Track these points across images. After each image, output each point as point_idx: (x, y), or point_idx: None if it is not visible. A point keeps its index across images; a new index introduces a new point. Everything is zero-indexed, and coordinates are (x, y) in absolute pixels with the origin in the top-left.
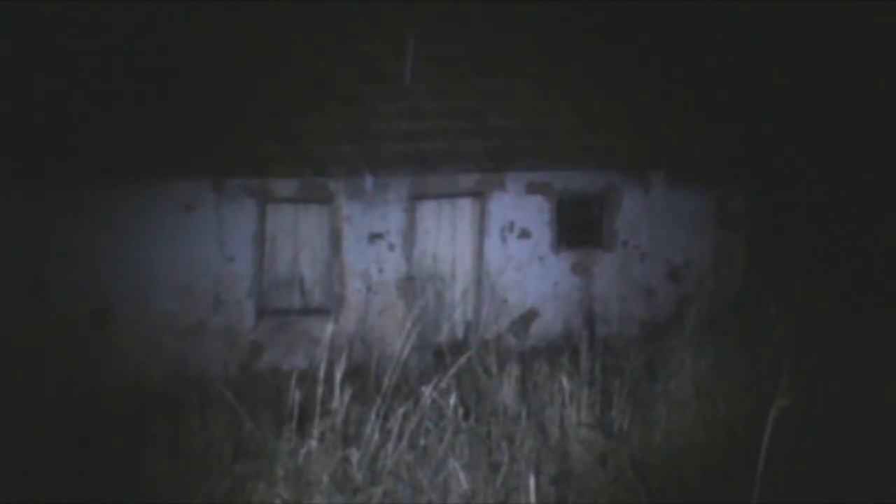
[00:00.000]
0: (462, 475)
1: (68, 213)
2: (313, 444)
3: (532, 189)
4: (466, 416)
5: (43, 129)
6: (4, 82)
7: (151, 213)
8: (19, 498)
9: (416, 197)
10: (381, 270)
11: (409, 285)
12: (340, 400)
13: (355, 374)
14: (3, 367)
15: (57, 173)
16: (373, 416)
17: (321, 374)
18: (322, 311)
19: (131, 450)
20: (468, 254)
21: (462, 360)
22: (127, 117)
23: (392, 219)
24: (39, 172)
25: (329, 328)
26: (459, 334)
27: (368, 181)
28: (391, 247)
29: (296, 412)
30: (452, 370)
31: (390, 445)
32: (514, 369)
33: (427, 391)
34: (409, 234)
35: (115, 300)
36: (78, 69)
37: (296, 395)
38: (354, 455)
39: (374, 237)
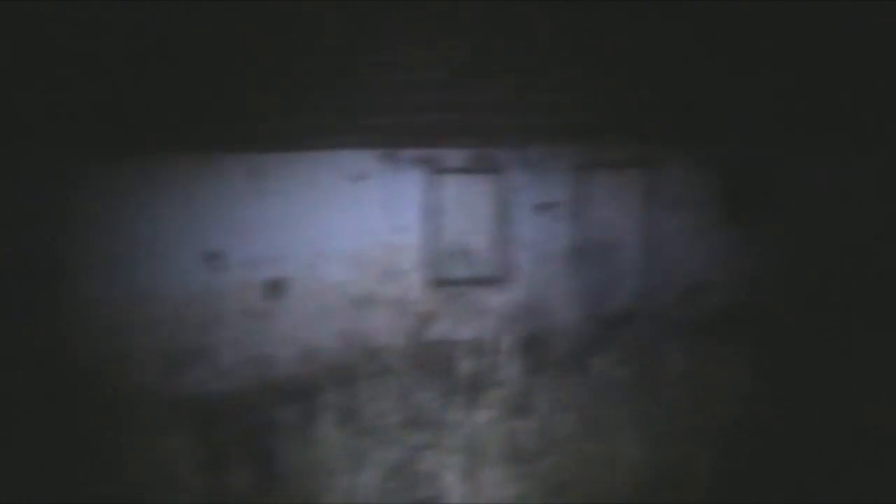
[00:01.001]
0: (630, 447)
1: (242, 182)
2: (482, 414)
3: (700, 160)
4: (635, 387)
5: (218, 99)
6: (179, 51)
7: (322, 183)
8: (191, 468)
9: (584, 167)
10: (549, 240)
11: (578, 255)
12: (510, 370)
13: (524, 344)
14: (176, 337)
15: (232, 143)
16: (542, 387)
17: (490, 344)
18: (491, 282)
19: (303, 420)
20: (636, 224)
21: (630, 330)
22: (295, 89)
23: (560, 189)
24: (218, 141)
25: (498, 298)
26: (628, 305)
27: (535, 151)
28: (559, 217)
29: (465, 382)
30: (621, 341)
31: (559, 416)
32: (682, 341)
33: (596, 362)
34: (577, 204)
35: (288, 270)
36: (245, 40)
37: (465, 366)
38: (523, 426)
39: (543, 207)
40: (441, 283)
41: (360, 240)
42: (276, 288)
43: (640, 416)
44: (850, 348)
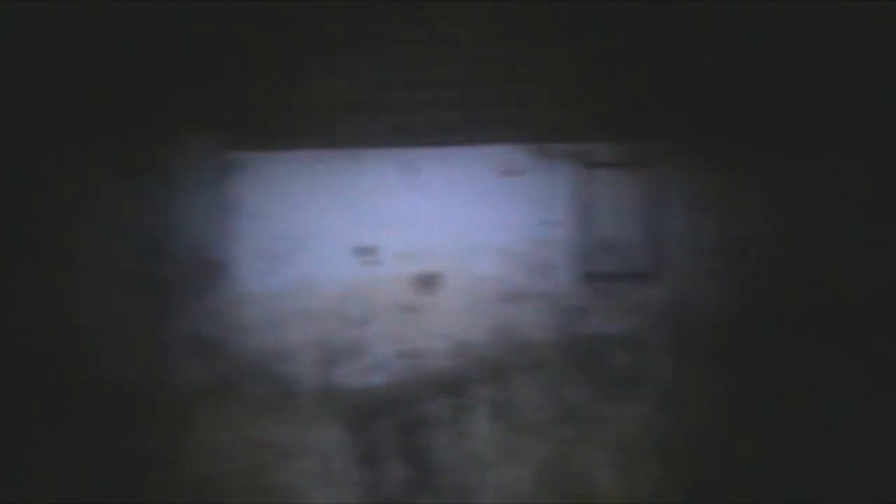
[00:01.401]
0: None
1: (395, 177)
2: (634, 409)
3: (858, 154)
4: (786, 384)
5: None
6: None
7: (473, 177)
8: (347, 462)
9: (735, 161)
10: (699, 235)
11: (728, 250)
12: (661, 366)
13: (675, 340)
14: (331, 331)
15: (384, 137)
16: (693, 383)
17: (642, 339)
18: (644, 276)
19: (455, 414)
20: (787, 219)
21: (780, 328)
22: (448, 83)
23: (709, 183)
24: (371, 135)
25: (649, 293)
26: (777, 301)
27: (684, 146)
28: (709, 211)
29: (617, 378)
30: (771, 337)
31: (710, 412)
32: (830, 338)
33: (746, 357)
34: (727, 199)
35: (440, 265)
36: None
37: (616, 361)
38: (675, 422)
39: (692, 201)
40: (591, 277)
41: (510, 234)
42: (428, 282)
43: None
44: None
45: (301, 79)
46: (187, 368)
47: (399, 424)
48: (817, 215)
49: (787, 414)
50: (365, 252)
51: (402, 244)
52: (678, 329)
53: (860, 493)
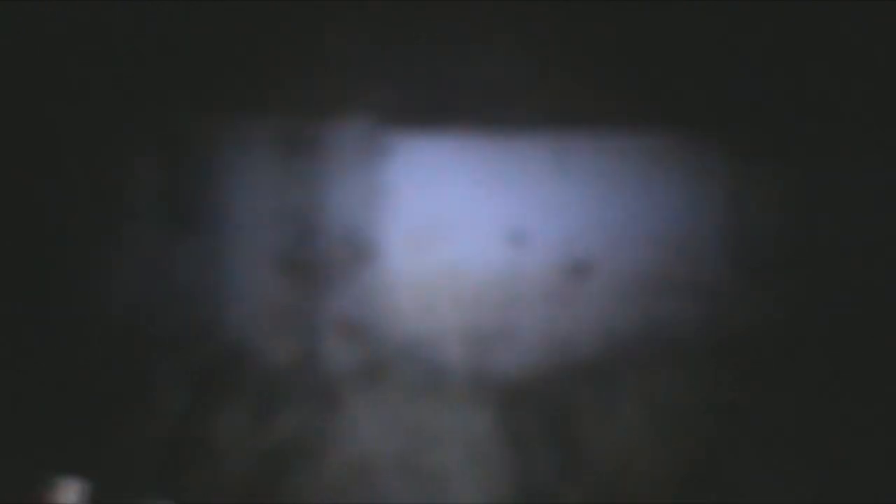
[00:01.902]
0: None
1: (547, 161)
2: (787, 402)
3: None
4: None
5: (512, 77)
6: None
7: (625, 163)
8: (496, 450)
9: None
10: (850, 225)
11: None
12: (814, 357)
13: (829, 330)
14: (479, 316)
15: (535, 122)
16: (849, 374)
17: (794, 329)
18: (795, 265)
19: (605, 404)
20: None
21: None
22: (606, 68)
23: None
24: (521, 120)
25: (804, 283)
26: None
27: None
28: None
29: (769, 369)
30: None
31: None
32: None
33: None
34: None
35: (591, 252)
36: None
37: (769, 352)
38: (828, 414)
39: (844, 192)
40: (744, 266)
41: (662, 222)
42: (578, 269)
43: None
44: None
45: (456, 61)
46: (337, 352)
47: (547, 412)
48: None
49: None
50: (515, 238)
51: (552, 231)
52: (830, 319)
53: None
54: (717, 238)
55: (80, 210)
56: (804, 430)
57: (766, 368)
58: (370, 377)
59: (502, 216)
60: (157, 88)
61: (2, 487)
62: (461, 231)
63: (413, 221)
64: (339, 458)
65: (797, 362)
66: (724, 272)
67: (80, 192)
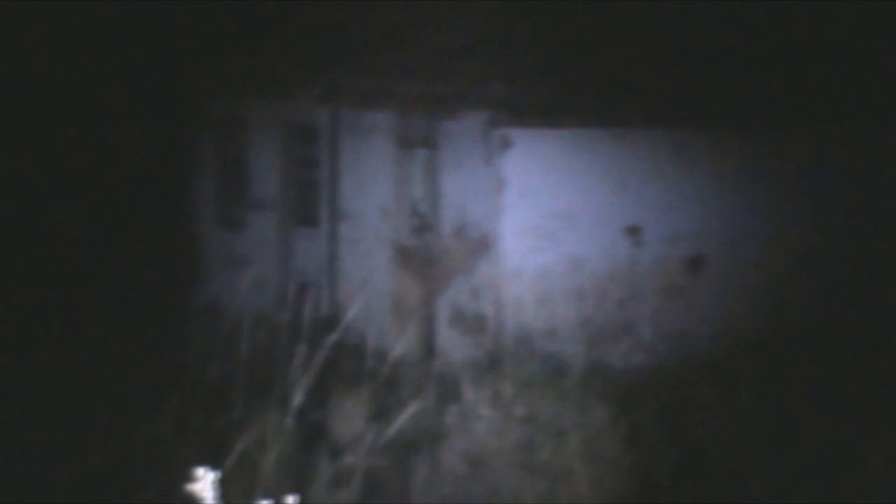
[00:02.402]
0: None
1: (667, 158)
2: None
3: None
4: None
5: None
6: None
7: (742, 162)
8: (614, 442)
9: None
10: None
11: None
12: None
13: None
14: (599, 309)
15: (656, 119)
16: None
17: None
18: None
19: (722, 398)
20: None
21: None
22: (723, 67)
23: None
24: (642, 117)
25: None
26: None
27: None
28: None
29: (890, 364)
30: None
31: None
32: None
33: None
34: None
35: (708, 247)
36: None
37: (889, 347)
38: None
39: None
40: (860, 262)
41: (780, 220)
42: (696, 264)
43: None
44: None
45: (575, 59)
46: (455, 343)
47: (664, 406)
48: None
49: None
50: (633, 232)
51: (670, 226)
52: None
53: None
54: (835, 236)
55: (207, 203)
56: None
57: (889, 362)
58: (488, 369)
59: (621, 211)
60: (282, 85)
61: (139, 479)
62: (579, 225)
63: (531, 215)
64: (457, 451)
65: None
66: (843, 269)
67: (206, 186)
